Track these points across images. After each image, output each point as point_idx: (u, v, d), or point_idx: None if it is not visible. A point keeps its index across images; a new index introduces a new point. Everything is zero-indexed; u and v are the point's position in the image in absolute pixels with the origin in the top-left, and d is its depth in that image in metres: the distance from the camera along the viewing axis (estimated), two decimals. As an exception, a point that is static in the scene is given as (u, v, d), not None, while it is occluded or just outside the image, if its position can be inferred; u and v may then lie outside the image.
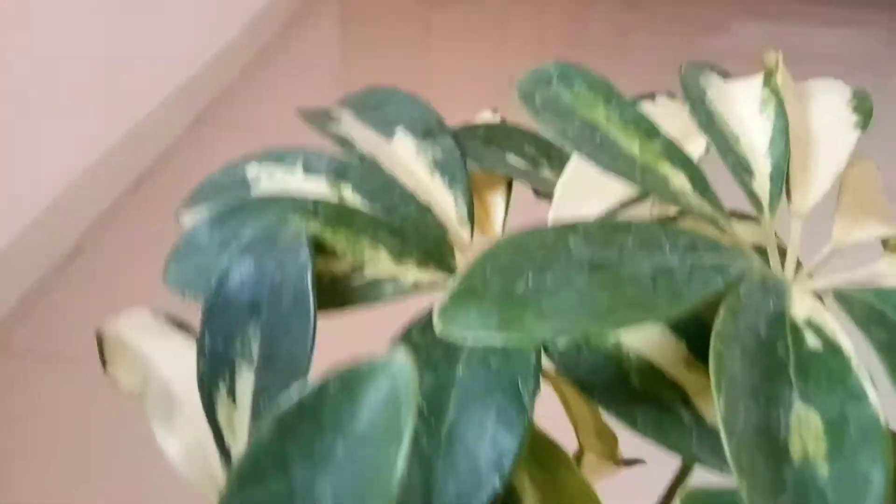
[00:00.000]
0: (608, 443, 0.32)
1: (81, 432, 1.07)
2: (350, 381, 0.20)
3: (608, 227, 0.26)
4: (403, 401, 0.19)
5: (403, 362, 0.19)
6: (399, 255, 0.32)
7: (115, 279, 1.32)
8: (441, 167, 0.39)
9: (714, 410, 0.21)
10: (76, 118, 1.40)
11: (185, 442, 0.30)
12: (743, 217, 0.35)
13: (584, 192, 0.35)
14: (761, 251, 0.31)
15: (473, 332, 0.22)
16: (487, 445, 0.25)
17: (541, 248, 0.25)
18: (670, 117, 0.35)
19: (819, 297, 0.26)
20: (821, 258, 0.30)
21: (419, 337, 0.29)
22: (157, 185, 1.52)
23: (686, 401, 0.26)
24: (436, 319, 0.23)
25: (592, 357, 0.28)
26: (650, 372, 0.28)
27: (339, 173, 0.36)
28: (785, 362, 0.22)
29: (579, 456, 0.41)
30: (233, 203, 0.32)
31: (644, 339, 0.29)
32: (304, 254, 0.28)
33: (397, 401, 0.19)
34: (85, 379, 0.98)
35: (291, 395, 0.20)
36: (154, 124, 1.59)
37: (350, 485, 0.19)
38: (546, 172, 0.41)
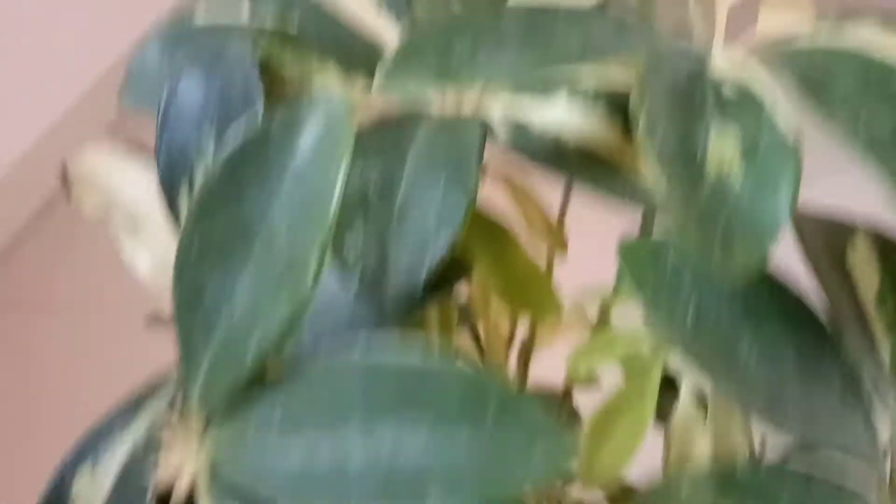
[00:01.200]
0: (558, 238, 0.34)
1: (61, 382, 1.07)
2: (290, 118, 0.21)
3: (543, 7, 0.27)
4: (340, 130, 0.20)
5: (338, 97, 0.20)
6: (348, 70, 0.33)
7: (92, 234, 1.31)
8: (387, 3, 0.40)
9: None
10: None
11: (152, 253, 0.31)
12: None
13: None
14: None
15: (413, 84, 0.23)
16: (434, 215, 0.27)
17: (480, 16, 0.26)
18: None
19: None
20: (747, 44, 0.31)
21: (369, 138, 0.30)
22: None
23: (622, 167, 0.28)
24: (379, 75, 0.24)
25: (536, 139, 0.30)
26: (590, 149, 0.29)
27: (282, 16, 0.37)
28: (704, 100, 0.24)
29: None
30: (180, 30, 0.33)
31: (585, 125, 0.30)
32: (250, 61, 0.29)
33: (334, 131, 0.20)
34: (60, 330, 1.01)
35: (237, 137, 0.21)
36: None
37: (298, 209, 0.20)
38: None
